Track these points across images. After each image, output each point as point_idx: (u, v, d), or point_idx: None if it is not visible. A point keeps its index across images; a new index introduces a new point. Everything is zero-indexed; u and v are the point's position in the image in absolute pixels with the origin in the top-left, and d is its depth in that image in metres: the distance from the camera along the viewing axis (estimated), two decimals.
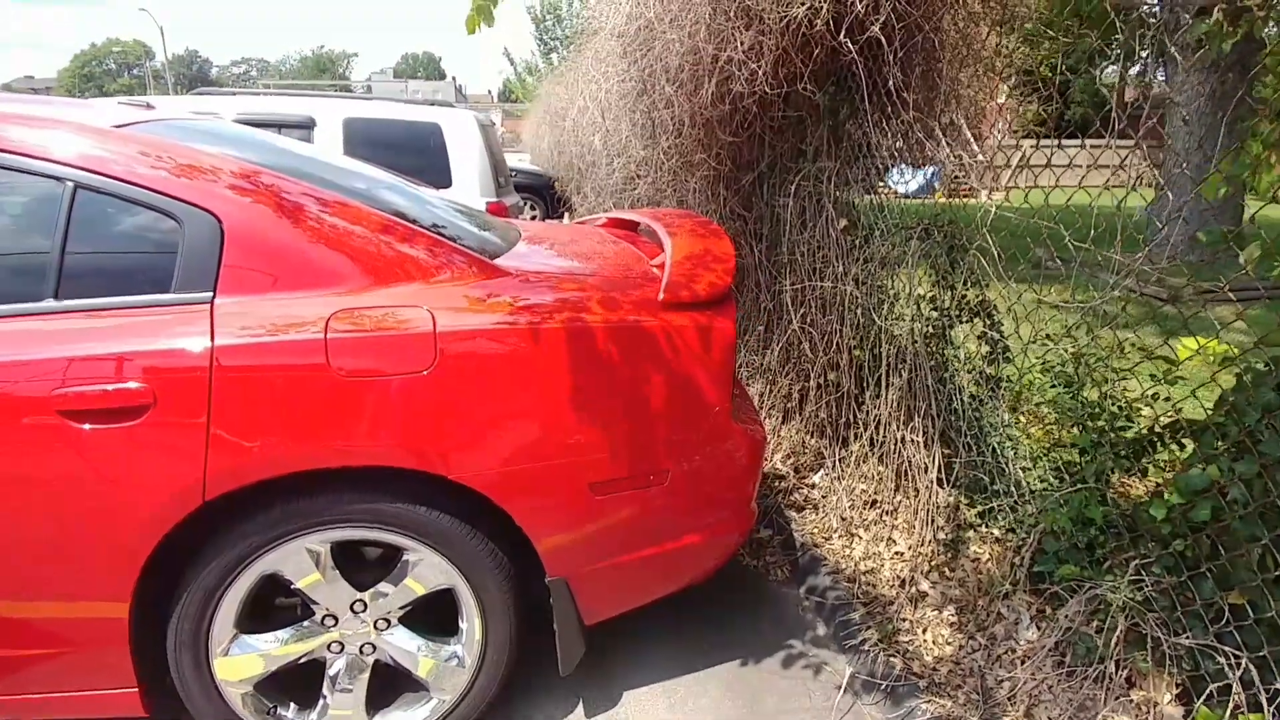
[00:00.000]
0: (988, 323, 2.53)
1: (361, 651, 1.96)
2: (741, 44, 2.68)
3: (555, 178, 10.84)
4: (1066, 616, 1.87)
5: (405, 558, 1.88)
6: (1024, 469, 2.22)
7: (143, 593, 1.76)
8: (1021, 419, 2.57)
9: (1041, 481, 2.16)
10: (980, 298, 2.50)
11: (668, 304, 1.94)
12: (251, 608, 1.88)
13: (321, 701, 1.96)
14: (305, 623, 1.93)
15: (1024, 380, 2.50)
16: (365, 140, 4.96)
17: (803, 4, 2.35)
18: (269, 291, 1.74)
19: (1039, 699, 1.86)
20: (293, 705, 1.98)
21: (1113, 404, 2.25)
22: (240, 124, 2.80)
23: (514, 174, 10.18)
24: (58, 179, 1.70)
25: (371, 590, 1.91)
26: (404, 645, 1.96)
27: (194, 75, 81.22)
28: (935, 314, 2.63)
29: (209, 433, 1.66)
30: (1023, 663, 1.96)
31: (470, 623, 1.95)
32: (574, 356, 1.82)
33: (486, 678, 1.99)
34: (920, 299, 2.62)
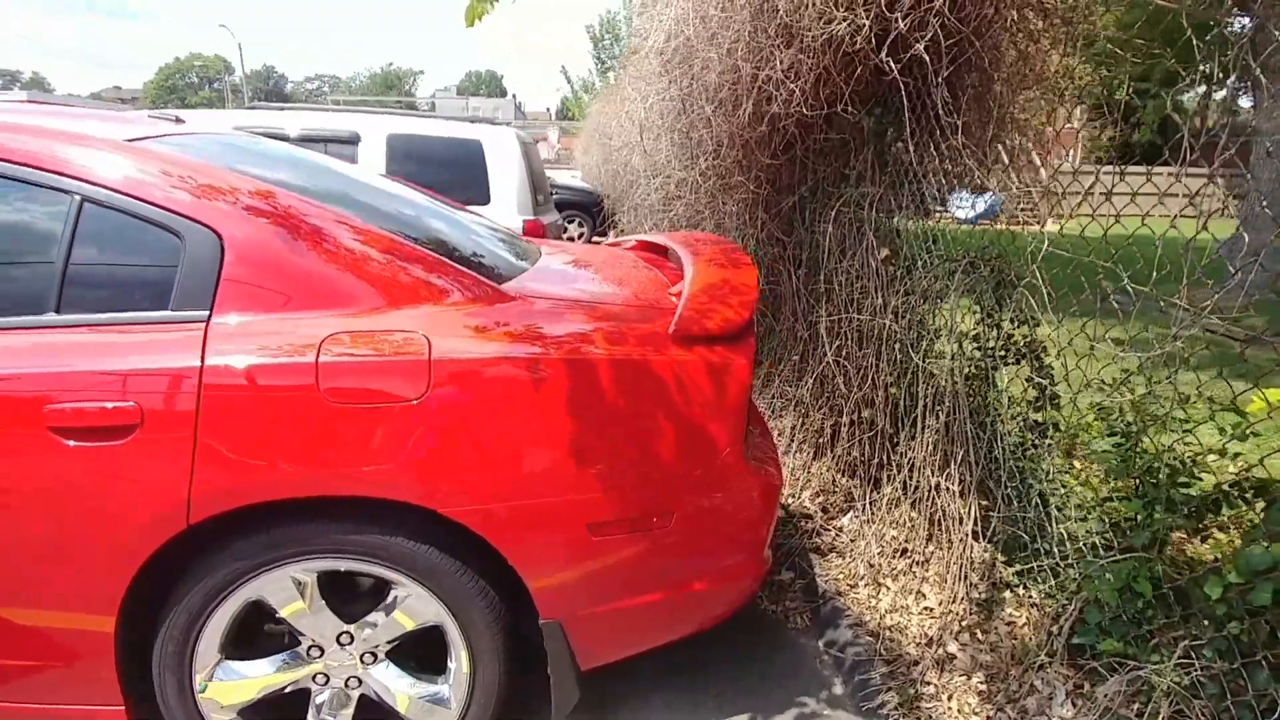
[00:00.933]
0: (1035, 366, 2.34)
1: (347, 685, 1.89)
2: (781, 63, 2.57)
3: (603, 195, 10.84)
4: (1106, 696, 1.68)
5: (393, 592, 1.80)
6: (1068, 528, 2.03)
7: (131, 612, 1.72)
8: (1073, 469, 2.37)
9: (1087, 538, 1.97)
10: (1028, 338, 2.32)
11: (678, 339, 1.82)
12: (238, 633, 1.83)
13: None
14: (291, 652, 1.87)
15: (1075, 428, 2.31)
16: (408, 156, 4.99)
17: (844, 20, 2.23)
18: (266, 312, 1.69)
19: None
20: None
21: (1173, 458, 2.05)
22: (273, 139, 2.79)
23: (558, 191, 10.21)
24: (65, 191, 1.69)
25: (358, 623, 1.84)
26: (389, 681, 1.88)
27: (270, 90, 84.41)
28: (978, 353, 2.45)
29: (194, 455, 1.61)
30: None
31: (458, 662, 1.85)
32: (574, 390, 1.72)
33: (474, 719, 1.89)
34: (963, 336, 2.45)
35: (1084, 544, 1.89)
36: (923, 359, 2.58)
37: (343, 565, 1.76)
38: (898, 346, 2.76)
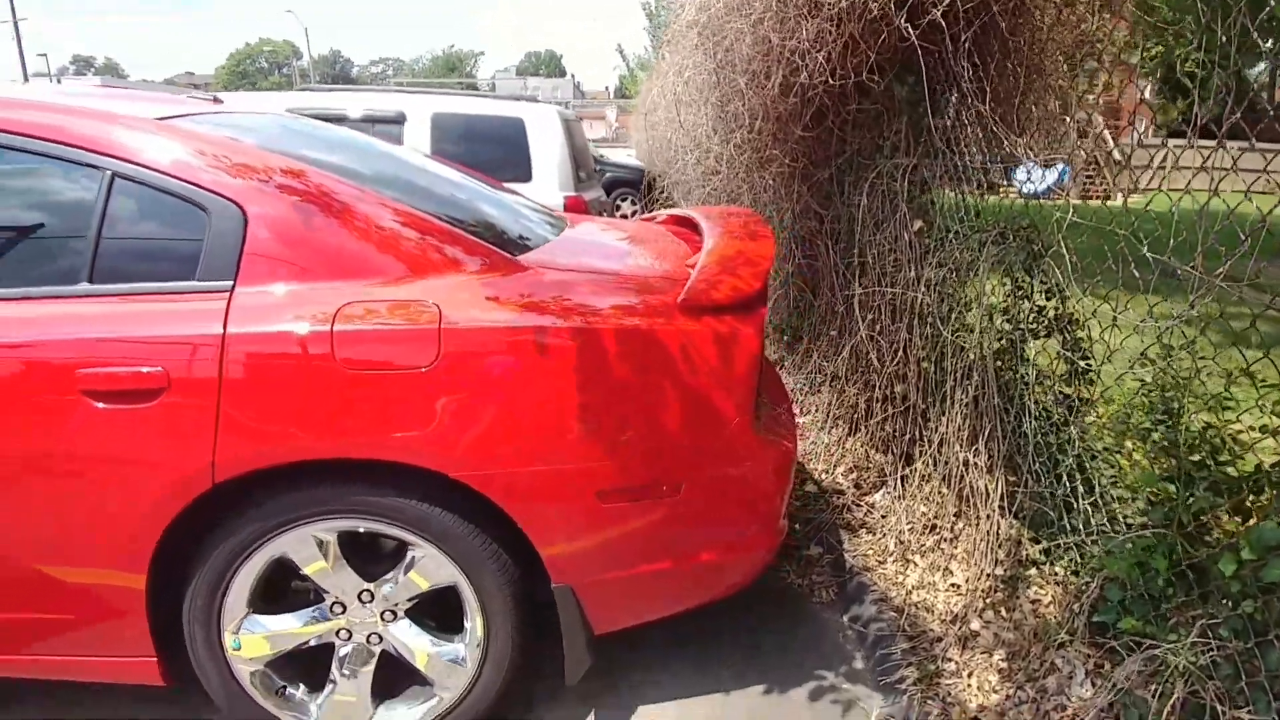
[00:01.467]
0: (1067, 339, 2.26)
1: (368, 640, 1.96)
2: (807, 32, 2.52)
3: (652, 173, 10.82)
4: (1124, 676, 1.63)
5: (409, 553, 1.86)
6: (1094, 504, 1.97)
7: (162, 569, 1.81)
8: (1105, 444, 2.29)
9: (1112, 514, 1.91)
10: (1059, 310, 2.24)
11: (686, 309, 1.83)
12: (265, 589, 1.91)
13: (330, 685, 1.98)
14: (315, 608, 1.95)
15: (1110, 402, 2.23)
16: (452, 134, 5.07)
17: None
18: (286, 282, 1.76)
19: None
20: (302, 686, 2.01)
21: (1215, 435, 1.96)
22: (320, 119, 2.87)
23: (611, 169, 10.19)
24: (96, 168, 1.77)
25: (378, 581, 1.90)
26: (408, 638, 1.95)
27: (336, 74, 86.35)
28: (1008, 326, 2.39)
29: (219, 418, 1.69)
30: None
31: (473, 622, 1.91)
32: (582, 359, 1.75)
33: (488, 679, 1.95)
34: (992, 309, 2.38)
35: (1107, 520, 1.83)
36: (952, 332, 2.52)
37: (361, 525, 1.83)
38: (929, 320, 2.70)
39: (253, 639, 1.90)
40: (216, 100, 2.46)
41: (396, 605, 1.93)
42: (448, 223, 1.95)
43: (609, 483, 1.80)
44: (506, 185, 3.08)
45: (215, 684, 1.92)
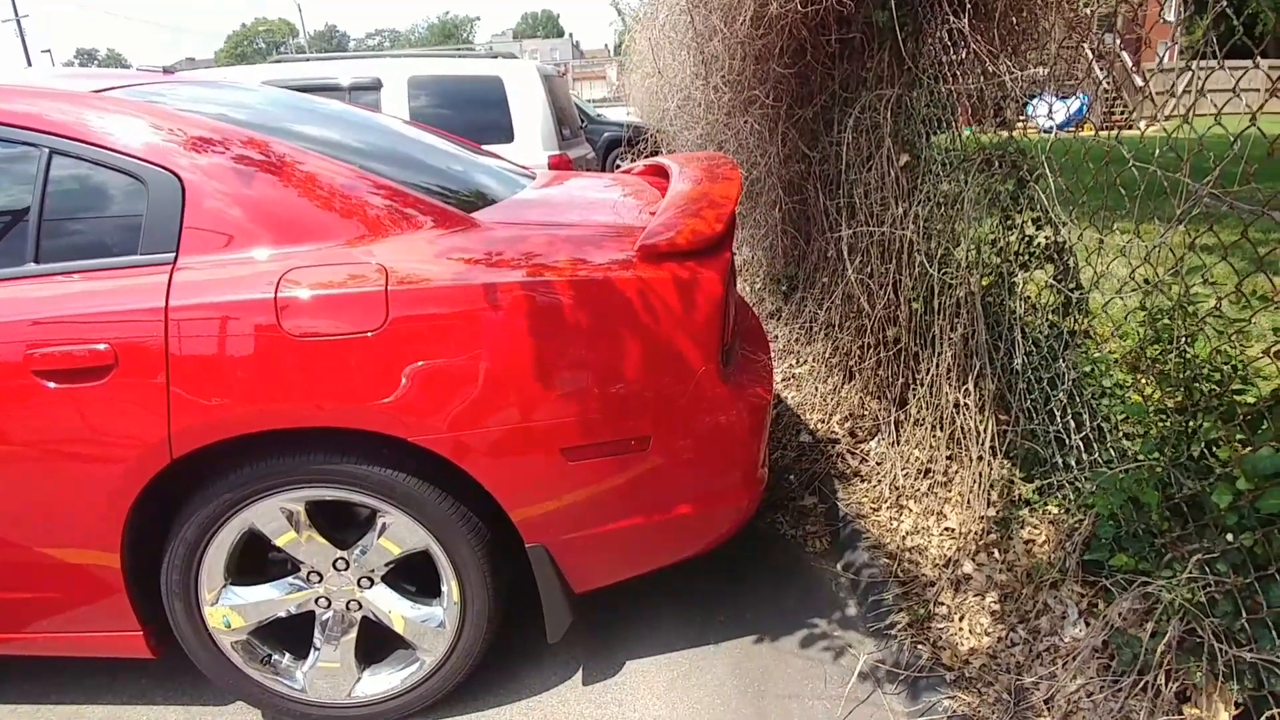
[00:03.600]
0: (1060, 269, 2.16)
1: (348, 608, 1.94)
2: None
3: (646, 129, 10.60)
4: (1118, 615, 1.57)
5: (380, 519, 1.83)
6: (1087, 440, 1.89)
7: (138, 545, 1.80)
8: (1097, 375, 2.19)
9: (1103, 448, 1.83)
10: (1049, 238, 2.14)
11: (645, 255, 1.75)
12: (243, 560, 1.89)
13: (313, 651, 1.97)
14: (292, 577, 1.93)
15: (1106, 340, 2.13)
16: (430, 98, 4.94)
17: None
18: (227, 251, 1.71)
19: (1077, 706, 1.58)
20: (287, 655, 2.00)
21: (1223, 361, 1.86)
22: (287, 89, 2.78)
23: (609, 128, 9.96)
24: (33, 145, 1.73)
25: (351, 549, 1.87)
26: (387, 604, 1.92)
27: (334, 48, 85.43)
28: (996, 259, 2.29)
29: (169, 393, 1.65)
30: (1064, 664, 1.68)
31: (449, 586, 1.87)
32: (537, 315, 1.68)
33: (469, 640, 1.92)
34: (979, 241, 2.28)
35: (1099, 455, 1.75)
36: (940, 270, 2.42)
37: (328, 494, 1.79)
38: (918, 258, 2.60)
39: (233, 610, 1.89)
40: (167, 72, 2.37)
41: (373, 572, 1.90)
42: (398, 182, 1.89)
43: (573, 440, 1.74)
44: (487, 149, 3.00)
45: (200, 655, 1.92)
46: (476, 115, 4.85)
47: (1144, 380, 2.43)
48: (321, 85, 4.86)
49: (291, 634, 1.99)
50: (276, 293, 1.64)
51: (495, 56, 5.25)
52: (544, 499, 1.79)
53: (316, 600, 1.93)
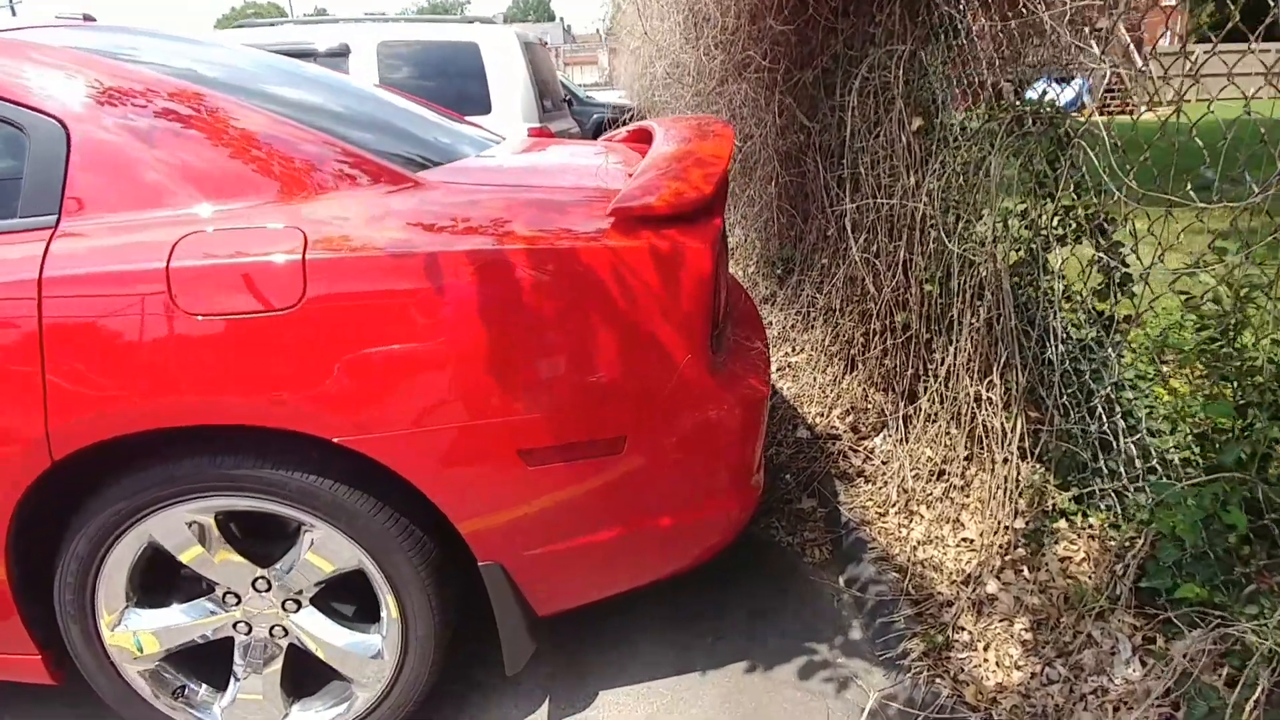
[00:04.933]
0: (1102, 243, 1.87)
1: (272, 634, 1.66)
2: None
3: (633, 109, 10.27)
4: (1184, 656, 1.30)
5: (305, 533, 1.54)
6: (1139, 443, 1.61)
7: (31, 558, 1.52)
8: (1150, 371, 1.92)
9: (1163, 455, 1.55)
10: (1092, 208, 1.85)
11: (619, 222, 1.45)
12: (153, 577, 1.61)
13: (233, 683, 1.69)
14: (206, 598, 1.64)
15: (1155, 318, 1.86)
16: (401, 65, 4.61)
17: None
18: (121, 211, 1.41)
19: None
20: (204, 686, 1.72)
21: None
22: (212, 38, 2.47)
23: (599, 110, 9.62)
24: None
25: (274, 567, 1.58)
26: (317, 630, 1.64)
27: None
28: (1027, 233, 2.00)
29: (45, 384, 1.36)
30: (1116, 710, 1.41)
31: (387, 610, 1.59)
32: (487, 289, 1.39)
33: (412, 672, 1.64)
34: (1007, 213, 2.00)
35: (1158, 462, 1.48)
36: (959, 246, 2.14)
37: (241, 504, 1.50)
38: (932, 234, 2.32)
39: (136, 635, 1.60)
40: (88, 19, 2.06)
41: (300, 593, 1.61)
42: (332, 134, 1.59)
43: (533, 440, 1.45)
44: (469, 120, 2.70)
45: (101, 684, 1.64)
46: (451, 84, 4.52)
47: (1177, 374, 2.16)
48: (290, 52, 4.52)
49: (210, 662, 1.71)
50: (169, 262, 1.35)
51: (472, 22, 4.90)
52: (499, 510, 1.51)
53: (235, 625, 1.64)
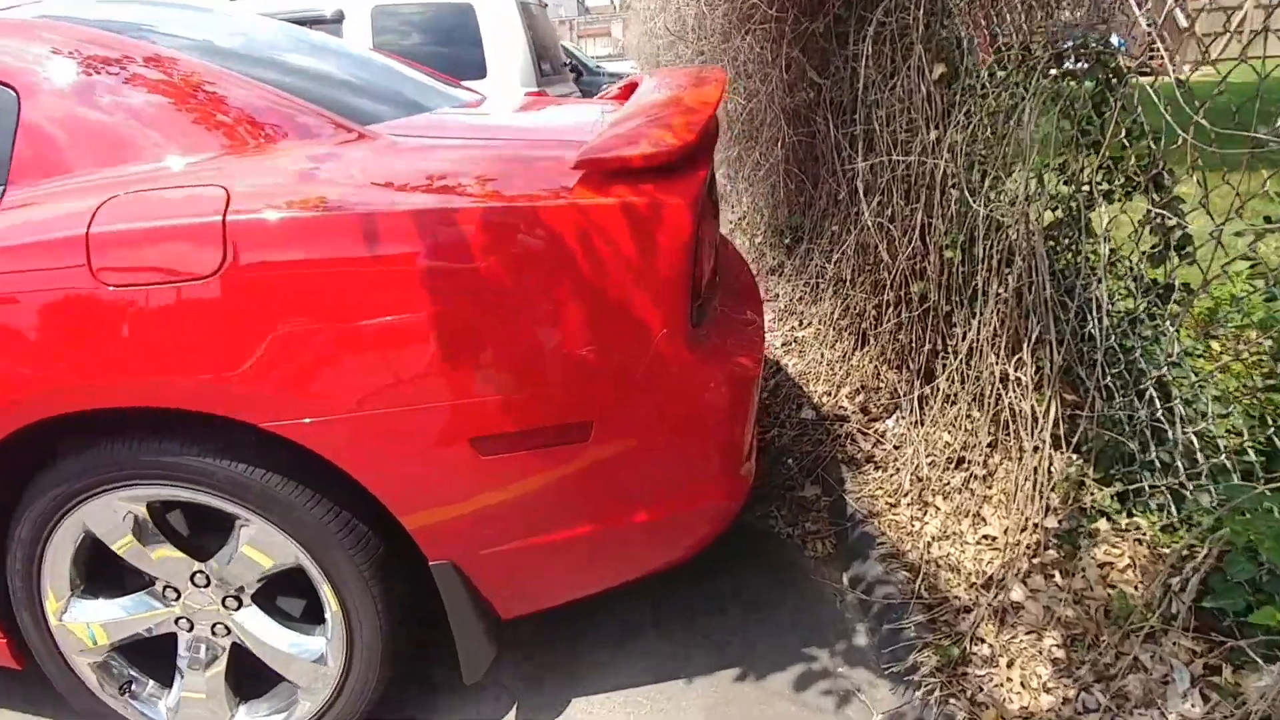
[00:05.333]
0: (1158, 199, 1.61)
1: (214, 632, 1.49)
2: None
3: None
4: (1261, 695, 1.07)
5: (239, 526, 1.34)
6: (1202, 432, 1.38)
7: None
8: (1212, 350, 1.68)
9: (1231, 449, 1.32)
10: (1146, 159, 1.59)
11: (588, 176, 1.23)
12: (97, 567, 1.47)
13: (177, 679, 1.54)
14: (145, 592, 1.48)
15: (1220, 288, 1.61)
16: (395, 29, 4.36)
17: None
18: (62, 175, 1.28)
19: None
20: (151, 682, 1.57)
21: None
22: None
23: (610, 79, 9.31)
24: None
25: (210, 562, 1.39)
26: (259, 631, 1.47)
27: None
28: (1066, 189, 1.75)
29: None
30: None
31: (331, 611, 1.39)
32: (434, 254, 1.18)
33: (358, 680, 1.45)
34: (1042, 167, 1.75)
35: (1226, 457, 1.24)
36: (986, 206, 1.89)
37: (170, 493, 1.33)
38: (954, 194, 2.07)
39: (80, 627, 1.46)
40: None
41: (241, 590, 1.44)
42: (275, 86, 1.41)
43: (486, 427, 1.24)
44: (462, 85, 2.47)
45: (53, 673, 1.54)
46: (446, 49, 4.27)
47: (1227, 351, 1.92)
48: (285, 16, 4.28)
49: (158, 657, 1.56)
50: (89, 228, 1.18)
51: None
52: (449, 503, 1.30)
53: (176, 621, 1.48)
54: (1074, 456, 1.67)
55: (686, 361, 1.27)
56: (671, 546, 1.49)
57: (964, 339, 2.08)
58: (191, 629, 1.48)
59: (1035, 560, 1.65)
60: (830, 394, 2.73)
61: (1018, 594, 1.62)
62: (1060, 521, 1.64)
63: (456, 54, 4.34)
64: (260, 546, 1.36)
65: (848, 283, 2.82)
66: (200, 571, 1.41)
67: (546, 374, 1.22)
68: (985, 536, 1.86)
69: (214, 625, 1.47)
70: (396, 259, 1.17)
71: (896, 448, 2.35)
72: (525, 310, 1.20)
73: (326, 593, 1.36)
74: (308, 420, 1.18)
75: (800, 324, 3.25)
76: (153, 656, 1.55)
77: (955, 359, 2.11)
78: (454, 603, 1.38)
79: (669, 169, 1.25)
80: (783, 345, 3.17)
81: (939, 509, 2.03)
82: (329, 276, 1.17)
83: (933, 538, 1.95)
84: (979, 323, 1.99)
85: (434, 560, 1.33)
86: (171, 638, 1.50)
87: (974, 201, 1.91)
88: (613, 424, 1.27)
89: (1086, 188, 1.71)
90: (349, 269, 1.17)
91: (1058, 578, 1.60)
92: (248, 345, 1.16)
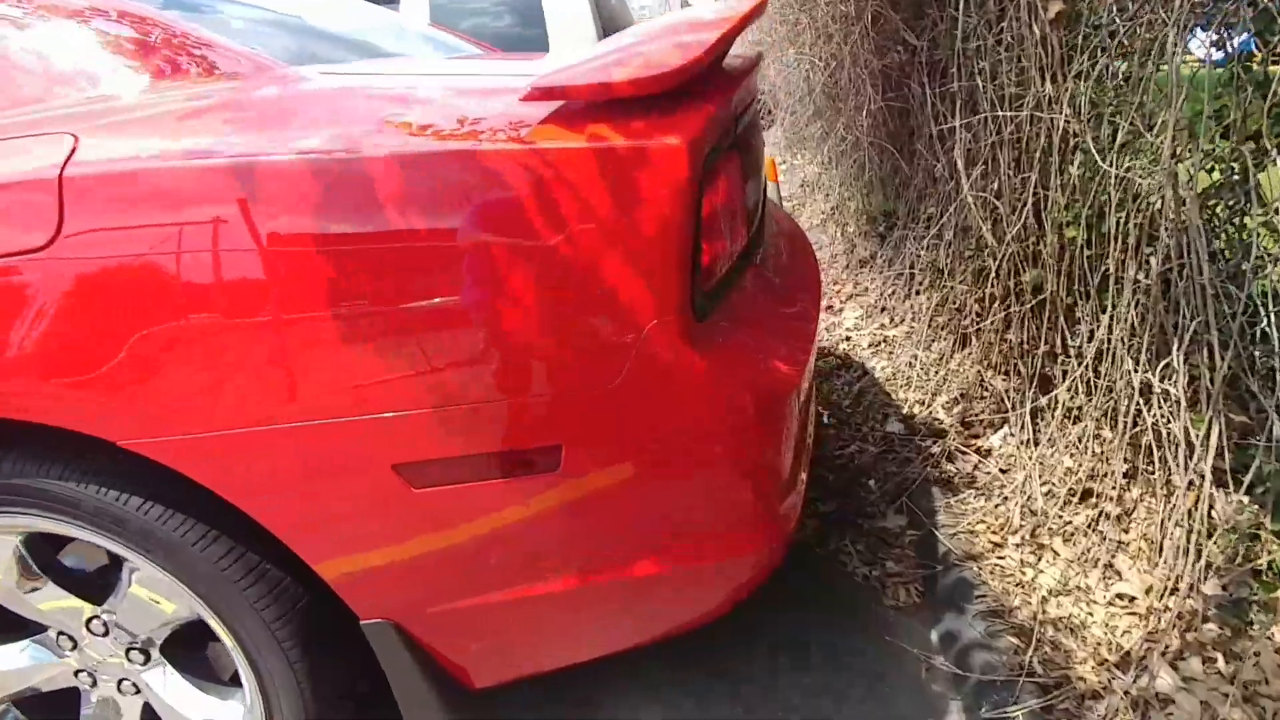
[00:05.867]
0: None
1: (120, 690, 1.25)
2: None
3: None
4: None
5: (126, 567, 1.11)
6: None
7: None
8: None
9: None
10: None
11: (556, 112, 0.92)
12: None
13: None
14: (35, 640, 1.26)
15: None
16: (452, 10, 4.17)
17: None
18: None
19: None
20: None
21: None
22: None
23: None
24: None
25: (104, 606, 1.17)
26: (166, 693, 1.22)
27: None
28: (1226, 141, 1.31)
29: None
30: None
31: (244, 674, 1.14)
32: (329, 214, 0.89)
33: None
34: (1194, 115, 1.31)
35: None
36: (1121, 168, 1.46)
37: (43, 525, 1.09)
38: (1077, 157, 1.64)
39: None
40: None
41: (148, 643, 1.20)
42: (184, 22, 1.16)
43: (414, 450, 0.95)
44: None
45: None
46: (507, 28, 4.06)
47: None
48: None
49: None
50: None
51: None
52: (376, 547, 1.02)
53: (76, 674, 1.25)
54: (1244, 500, 1.23)
55: (688, 364, 0.93)
56: (687, 607, 1.16)
57: (1091, 339, 1.65)
58: (94, 685, 1.25)
59: (1190, 636, 1.23)
60: (923, 403, 2.32)
61: (1165, 682, 1.20)
62: (1225, 586, 1.21)
63: (517, 31, 4.13)
64: (153, 592, 1.13)
65: (946, 273, 2.40)
66: (96, 617, 1.18)
67: (492, 380, 0.92)
68: (1120, 596, 1.43)
69: (120, 682, 1.24)
70: (279, 222, 0.88)
71: (1004, 471, 1.93)
72: (461, 295, 0.90)
73: (234, 649, 1.10)
74: (175, 438, 0.92)
75: (891, 321, 2.83)
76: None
77: (1079, 364, 1.68)
78: (396, 670, 1.10)
79: (665, 98, 0.92)
80: (870, 346, 2.76)
81: (1058, 554, 1.61)
82: (191, 245, 0.90)
83: (1050, 592, 1.53)
84: (1111, 318, 1.56)
85: (365, 620, 1.05)
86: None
87: (1104, 162, 1.49)
88: (589, 448, 0.96)
89: (1253, 141, 1.27)
90: (227, 237, 0.89)
91: (1221, 663, 1.17)
92: (94, 340, 0.91)
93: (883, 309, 2.92)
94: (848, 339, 2.91)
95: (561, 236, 0.88)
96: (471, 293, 0.89)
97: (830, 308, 3.24)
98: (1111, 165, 1.46)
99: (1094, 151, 1.53)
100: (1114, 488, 1.54)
